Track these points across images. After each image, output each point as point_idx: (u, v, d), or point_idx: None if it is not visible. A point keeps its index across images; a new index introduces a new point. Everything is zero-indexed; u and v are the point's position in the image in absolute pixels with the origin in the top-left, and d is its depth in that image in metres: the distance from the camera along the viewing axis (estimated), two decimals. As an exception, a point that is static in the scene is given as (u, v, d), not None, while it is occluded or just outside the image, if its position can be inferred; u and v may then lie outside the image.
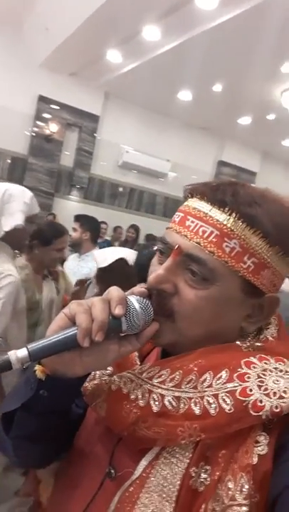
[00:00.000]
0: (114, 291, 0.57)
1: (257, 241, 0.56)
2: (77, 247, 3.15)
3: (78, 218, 3.21)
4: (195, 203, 0.60)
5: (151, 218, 8.02)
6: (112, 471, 0.60)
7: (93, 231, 3.18)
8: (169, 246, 0.60)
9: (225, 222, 0.56)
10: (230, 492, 0.47)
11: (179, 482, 0.52)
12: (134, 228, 6.67)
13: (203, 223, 0.57)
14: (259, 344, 0.59)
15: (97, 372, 0.66)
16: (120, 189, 7.91)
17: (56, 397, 0.59)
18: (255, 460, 0.48)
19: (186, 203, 0.62)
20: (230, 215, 0.56)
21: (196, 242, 0.56)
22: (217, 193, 0.58)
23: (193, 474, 0.51)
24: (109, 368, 0.66)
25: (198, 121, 7.66)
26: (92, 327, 0.53)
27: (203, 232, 0.56)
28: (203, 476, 0.51)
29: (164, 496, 0.52)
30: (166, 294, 0.58)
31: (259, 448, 0.49)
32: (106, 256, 1.98)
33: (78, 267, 2.98)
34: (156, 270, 0.59)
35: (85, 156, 7.41)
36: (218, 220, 0.56)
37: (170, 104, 7.00)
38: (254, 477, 0.47)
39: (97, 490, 0.61)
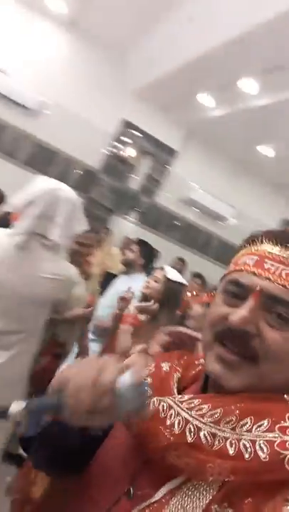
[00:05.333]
0: (108, 374, 0.54)
1: None
2: (128, 266, 3.28)
3: (140, 243, 3.35)
4: (268, 247, 0.61)
5: (202, 259, 7.86)
6: (132, 491, 0.59)
7: (148, 260, 3.33)
8: (246, 288, 0.59)
9: None
10: None
11: None
12: (182, 261, 6.57)
13: (286, 267, 0.58)
14: None
15: None
16: (176, 222, 7.86)
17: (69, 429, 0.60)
18: None
19: (256, 247, 0.63)
20: None
21: (282, 285, 0.57)
22: None
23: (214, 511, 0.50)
24: (149, 391, 0.64)
25: (275, 178, 7.51)
26: (79, 410, 0.53)
27: (287, 274, 0.58)
28: None
29: None
30: (249, 336, 0.58)
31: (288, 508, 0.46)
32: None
33: (125, 286, 2.95)
34: (237, 312, 0.58)
35: (153, 184, 7.49)
36: None
37: (249, 156, 6.92)
38: None
39: (112, 505, 0.60)
